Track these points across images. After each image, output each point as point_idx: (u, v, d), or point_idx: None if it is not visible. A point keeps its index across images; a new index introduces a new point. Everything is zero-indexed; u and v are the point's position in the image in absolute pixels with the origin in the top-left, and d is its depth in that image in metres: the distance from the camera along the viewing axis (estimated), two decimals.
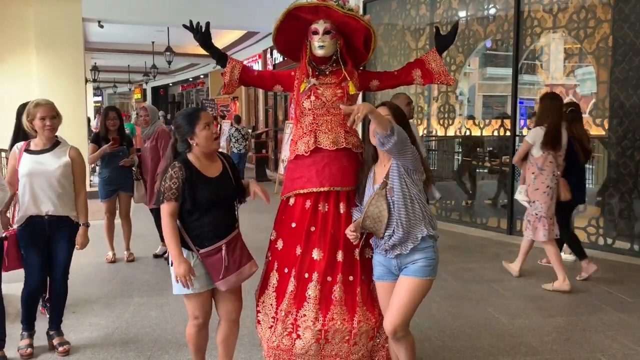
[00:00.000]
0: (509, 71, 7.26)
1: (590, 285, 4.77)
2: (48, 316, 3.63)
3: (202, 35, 3.01)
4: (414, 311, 2.56)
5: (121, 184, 5.57)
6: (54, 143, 3.45)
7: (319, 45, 2.85)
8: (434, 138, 8.57)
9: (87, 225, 3.51)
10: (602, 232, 6.05)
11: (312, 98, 2.89)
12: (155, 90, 31.48)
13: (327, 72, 2.92)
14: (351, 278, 2.77)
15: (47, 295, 3.81)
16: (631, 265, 5.44)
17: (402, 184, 2.50)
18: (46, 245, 3.43)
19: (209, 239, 2.65)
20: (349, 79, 2.90)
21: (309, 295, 2.72)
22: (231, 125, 12.87)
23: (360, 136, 3.08)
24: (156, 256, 5.80)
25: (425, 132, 8.40)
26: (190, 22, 3.01)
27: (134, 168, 5.65)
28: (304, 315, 2.71)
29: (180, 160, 2.63)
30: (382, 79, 3.12)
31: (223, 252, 2.62)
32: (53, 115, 3.37)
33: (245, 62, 13.27)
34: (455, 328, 3.86)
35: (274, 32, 2.98)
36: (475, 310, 4.19)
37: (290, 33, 2.97)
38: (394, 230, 2.51)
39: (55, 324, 3.54)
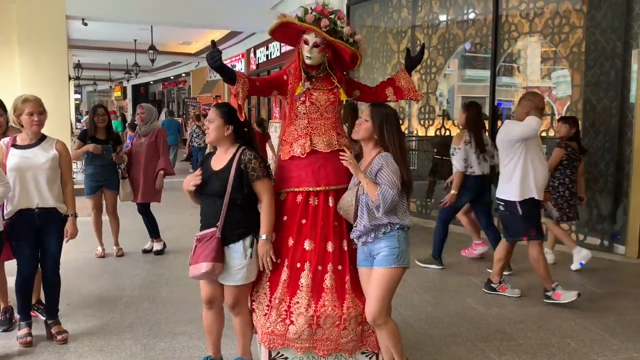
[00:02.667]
0: (487, 73, 7.53)
1: (562, 278, 5.03)
2: (42, 317, 3.78)
3: (217, 57, 2.82)
4: (388, 299, 2.76)
5: (105, 180, 5.64)
6: (40, 137, 3.59)
7: (307, 56, 3.03)
8: (414, 138, 8.82)
9: (75, 216, 3.65)
10: (574, 228, 6.34)
11: (308, 103, 3.07)
12: (135, 88, 31.31)
13: (313, 79, 3.08)
14: (340, 267, 2.96)
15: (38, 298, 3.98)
16: (601, 260, 5.73)
17: None
18: (36, 236, 3.54)
19: (201, 224, 2.94)
20: (339, 85, 3.09)
21: (302, 284, 2.90)
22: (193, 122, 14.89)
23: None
24: (145, 251, 5.92)
25: (406, 132, 8.65)
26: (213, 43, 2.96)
27: (121, 166, 5.70)
28: (297, 302, 2.89)
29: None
30: (362, 91, 3.33)
31: (195, 242, 2.88)
32: (40, 111, 3.52)
33: (228, 62, 13.49)
34: (435, 317, 4.08)
35: (269, 32, 3.15)
36: (454, 301, 4.42)
37: (286, 31, 3.14)
38: (357, 223, 2.78)
39: (52, 313, 3.67)
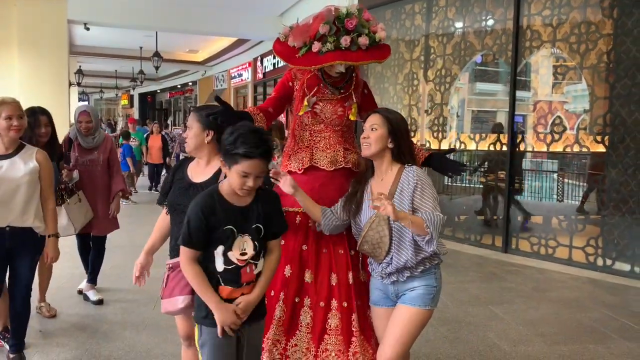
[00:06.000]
0: (498, 87, 7.10)
1: (593, 310, 4.54)
2: (7, 347, 3.31)
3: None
4: (411, 344, 2.34)
5: None
6: (18, 146, 3.10)
7: (340, 71, 2.59)
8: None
9: (56, 237, 3.19)
10: (601, 252, 5.84)
11: (309, 115, 2.64)
12: (142, 96, 31.16)
13: (341, 91, 2.64)
14: (345, 304, 2.49)
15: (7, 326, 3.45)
16: (633, 288, 5.21)
17: (409, 208, 2.25)
18: (4, 260, 3.07)
19: (172, 248, 2.41)
20: (354, 100, 2.64)
21: (302, 323, 2.45)
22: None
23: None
24: (82, 293, 4.66)
25: (418, 145, 8.20)
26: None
27: (69, 186, 4.25)
28: (295, 345, 2.43)
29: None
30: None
31: (167, 271, 2.36)
32: (20, 115, 3.04)
33: (234, 70, 13.14)
34: (453, 355, 3.59)
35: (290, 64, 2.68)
36: (474, 336, 3.93)
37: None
38: (392, 258, 2.28)
39: (16, 347, 3.21)
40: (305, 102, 2.61)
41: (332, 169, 2.59)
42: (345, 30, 2.47)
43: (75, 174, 4.29)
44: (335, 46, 2.46)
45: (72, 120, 4.51)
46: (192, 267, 2.02)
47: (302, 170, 2.61)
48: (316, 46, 2.47)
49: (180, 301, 2.28)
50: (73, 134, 4.43)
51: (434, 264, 2.30)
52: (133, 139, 11.41)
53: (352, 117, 2.63)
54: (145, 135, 12.08)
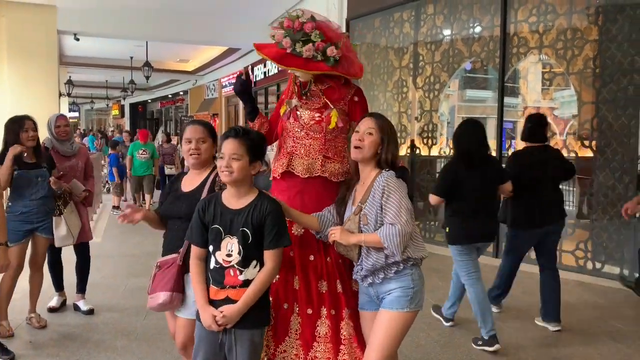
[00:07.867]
0: (488, 93, 7.16)
1: (582, 313, 4.57)
2: None
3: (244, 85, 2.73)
4: (395, 347, 2.33)
5: (41, 221, 3.99)
6: None
7: (296, 74, 2.65)
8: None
9: (6, 245, 3.08)
10: (590, 255, 5.89)
11: (291, 120, 2.68)
12: (133, 106, 31.09)
13: (307, 94, 2.65)
14: (333, 312, 2.50)
15: None
16: (622, 291, 5.25)
17: (378, 212, 2.28)
18: None
19: (163, 249, 2.57)
20: (332, 106, 2.62)
21: (291, 329, 2.45)
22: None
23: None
24: (52, 310, 4.47)
25: (408, 151, 8.24)
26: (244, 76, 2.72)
27: (62, 196, 4.17)
28: (284, 351, 2.43)
29: None
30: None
31: (155, 269, 2.49)
32: None
33: (225, 79, 13.06)
34: None
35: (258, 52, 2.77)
36: (465, 340, 3.95)
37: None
38: (362, 260, 2.31)
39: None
40: (286, 103, 2.69)
41: (306, 177, 2.59)
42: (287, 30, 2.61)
43: (77, 182, 4.32)
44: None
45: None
46: (193, 264, 2.22)
47: (280, 176, 2.65)
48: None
49: (161, 297, 2.39)
50: (49, 143, 4.32)
51: (408, 265, 2.29)
52: (143, 150, 10.15)
53: (331, 126, 2.60)
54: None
